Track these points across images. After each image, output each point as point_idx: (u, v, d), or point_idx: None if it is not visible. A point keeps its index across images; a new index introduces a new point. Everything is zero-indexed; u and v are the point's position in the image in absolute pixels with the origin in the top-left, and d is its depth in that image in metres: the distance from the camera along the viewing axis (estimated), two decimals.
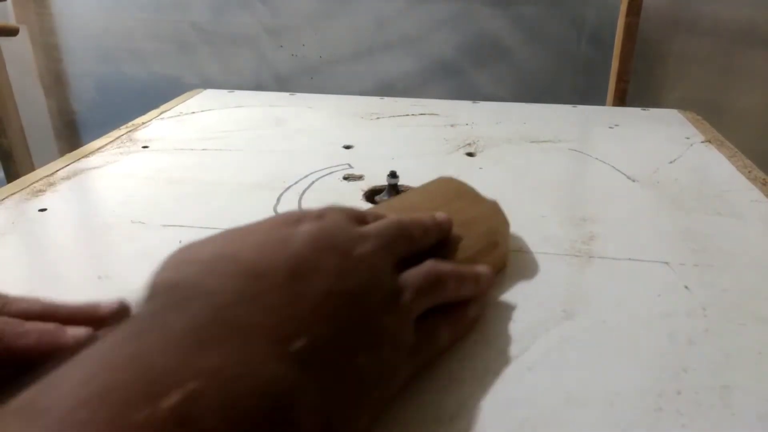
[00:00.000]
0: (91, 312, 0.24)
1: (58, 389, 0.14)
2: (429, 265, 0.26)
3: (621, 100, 1.02)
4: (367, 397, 0.21)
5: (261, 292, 0.19)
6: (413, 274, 0.25)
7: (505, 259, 0.35)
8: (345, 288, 0.21)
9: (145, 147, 0.56)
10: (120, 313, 0.24)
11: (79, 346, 0.19)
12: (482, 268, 0.29)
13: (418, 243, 0.28)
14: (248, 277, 0.20)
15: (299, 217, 0.24)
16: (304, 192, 0.46)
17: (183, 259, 0.21)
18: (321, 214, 0.25)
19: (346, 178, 0.48)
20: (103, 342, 0.16)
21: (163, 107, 0.69)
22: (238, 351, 0.16)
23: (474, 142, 0.57)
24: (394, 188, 0.44)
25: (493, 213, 0.36)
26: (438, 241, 0.29)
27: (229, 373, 0.16)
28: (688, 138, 0.59)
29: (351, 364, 0.20)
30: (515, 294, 0.32)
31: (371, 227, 0.26)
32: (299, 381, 0.17)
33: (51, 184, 0.47)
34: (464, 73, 1.16)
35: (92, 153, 0.54)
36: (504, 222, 0.36)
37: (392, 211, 0.31)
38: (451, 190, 0.37)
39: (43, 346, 0.21)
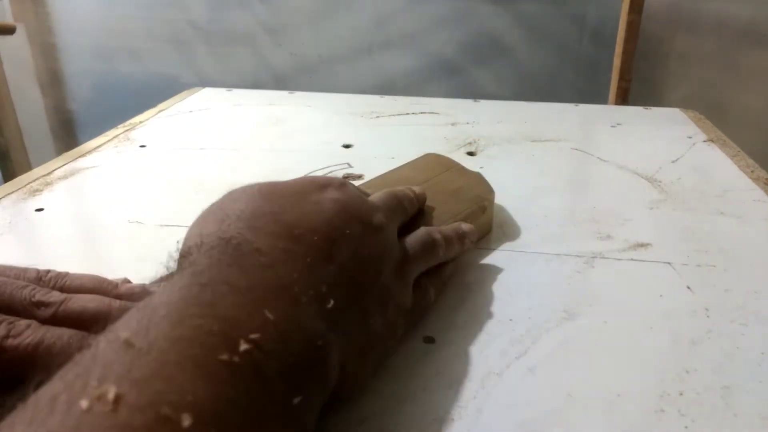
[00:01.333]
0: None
1: (151, 331, 0.16)
2: (423, 232, 0.29)
3: (623, 98, 1.02)
4: (374, 351, 0.24)
5: (301, 253, 0.21)
6: (412, 242, 0.28)
7: (491, 222, 0.39)
8: (367, 254, 0.24)
9: (142, 146, 0.56)
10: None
11: None
12: (466, 226, 0.33)
13: (408, 213, 0.31)
14: (290, 238, 0.22)
15: (324, 183, 0.26)
16: None
17: (227, 212, 0.23)
18: (342, 183, 0.27)
19: (345, 177, 0.48)
20: (175, 285, 0.18)
21: (160, 106, 0.69)
22: (288, 308, 0.19)
23: (475, 141, 0.57)
24: None
25: (479, 182, 0.40)
26: (419, 210, 0.33)
27: (283, 327, 0.18)
28: (690, 137, 0.59)
29: (365, 324, 0.23)
30: (517, 294, 0.32)
31: (376, 198, 0.29)
32: (330, 336, 0.20)
33: (48, 184, 0.47)
34: (465, 71, 1.16)
35: (89, 152, 0.54)
36: (489, 189, 0.40)
37: (383, 186, 0.34)
38: (438, 163, 0.42)
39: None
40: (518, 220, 0.41)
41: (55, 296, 0.24)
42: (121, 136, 0.59)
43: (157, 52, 1.23)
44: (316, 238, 0.22)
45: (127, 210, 0.42)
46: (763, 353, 0.27)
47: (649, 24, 1.04)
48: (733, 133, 0.62)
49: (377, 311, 0.24)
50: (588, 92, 1.12)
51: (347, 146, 0.56)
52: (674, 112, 0.68)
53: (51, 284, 0.25)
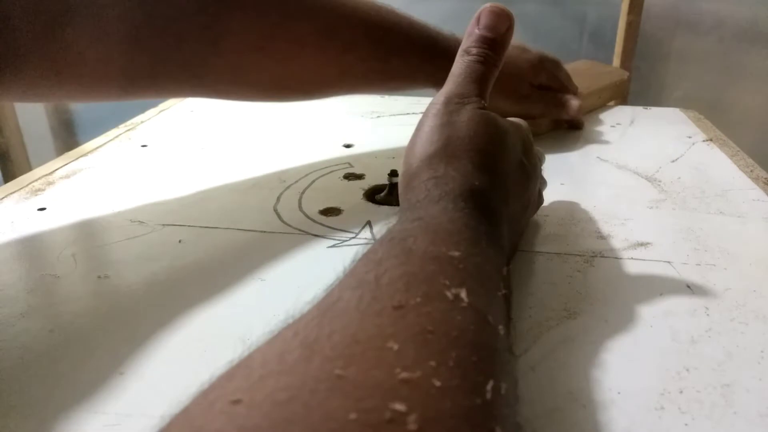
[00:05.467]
0: None
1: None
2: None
3: (622, 98, 1.02)
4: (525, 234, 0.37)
5: (504, 149, 0.32)
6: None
7: (627, 89, 0.61)
8: (512, 169, 0.32)
9: (143, 146, 0.56)
10: None
11: None
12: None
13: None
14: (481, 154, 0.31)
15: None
16: (304, 191, 0.45)
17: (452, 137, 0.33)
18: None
19: (346, 177, 0.48)
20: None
21: (161, 106, 0.69)
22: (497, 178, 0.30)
23: None
24: (394, 187, 0.44)
25: (618, 70, 0.63)
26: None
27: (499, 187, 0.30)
28: (689, 137, 0.59)
29: (520, 215, 0.33)
30: (517, 293, 0.32)
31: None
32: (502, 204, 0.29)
33: (50, 183, 0.47)
34: None
35: (91, 152, 0.54)
36: (626, 72, 0.70)
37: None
38: (589, 64, 0.70)
39: None
40: None
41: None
42: (123, 135, 0.59)
43: None
44: (504, 137, 0.32)
45: (128, 209, 0.42)
46: (762, 351, 0.27)
47: (649, 24, 1.04)
48: (733, 132, 0.62)
49: (525, 209, 0.35)
50: None
51: (347, 146, 0.56)
52: (674, 112, 0.68)
53: None
